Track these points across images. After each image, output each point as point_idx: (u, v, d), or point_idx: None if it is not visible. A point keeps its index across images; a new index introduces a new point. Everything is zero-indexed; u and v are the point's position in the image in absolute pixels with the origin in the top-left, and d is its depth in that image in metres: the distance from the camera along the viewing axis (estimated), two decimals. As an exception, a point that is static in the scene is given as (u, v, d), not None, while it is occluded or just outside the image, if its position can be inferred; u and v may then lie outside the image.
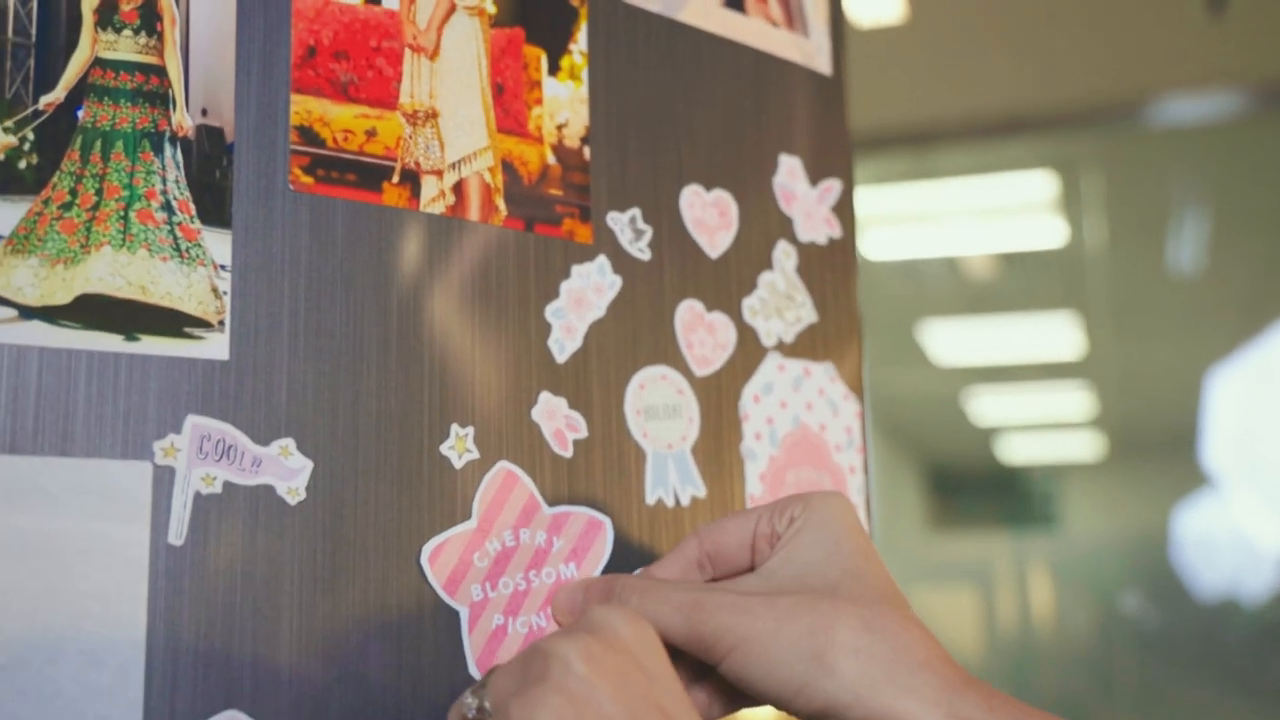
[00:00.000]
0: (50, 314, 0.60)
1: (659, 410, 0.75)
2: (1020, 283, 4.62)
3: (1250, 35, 3.12)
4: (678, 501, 0.75)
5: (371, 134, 0.68)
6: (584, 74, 0.76)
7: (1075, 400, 5.66)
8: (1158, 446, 5.45)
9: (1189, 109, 3.39)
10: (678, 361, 0.77)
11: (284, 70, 0.66)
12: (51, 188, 0.61)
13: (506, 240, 0.72)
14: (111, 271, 0.62)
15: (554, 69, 0.75)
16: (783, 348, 0.81)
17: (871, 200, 3.97)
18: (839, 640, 0.58)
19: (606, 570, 0.71)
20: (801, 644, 0.59)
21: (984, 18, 3.26)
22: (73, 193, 0.62)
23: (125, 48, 0.64)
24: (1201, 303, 4.54)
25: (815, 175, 0.86)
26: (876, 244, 4.29)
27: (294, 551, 0.63)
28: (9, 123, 0.60)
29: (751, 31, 0.84)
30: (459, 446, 0.68)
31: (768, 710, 0.71)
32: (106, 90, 0.63)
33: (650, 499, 0.74)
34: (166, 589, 0.60)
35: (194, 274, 0.63)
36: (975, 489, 6.01)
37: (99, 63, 0.63)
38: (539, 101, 0.74)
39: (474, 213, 0.71)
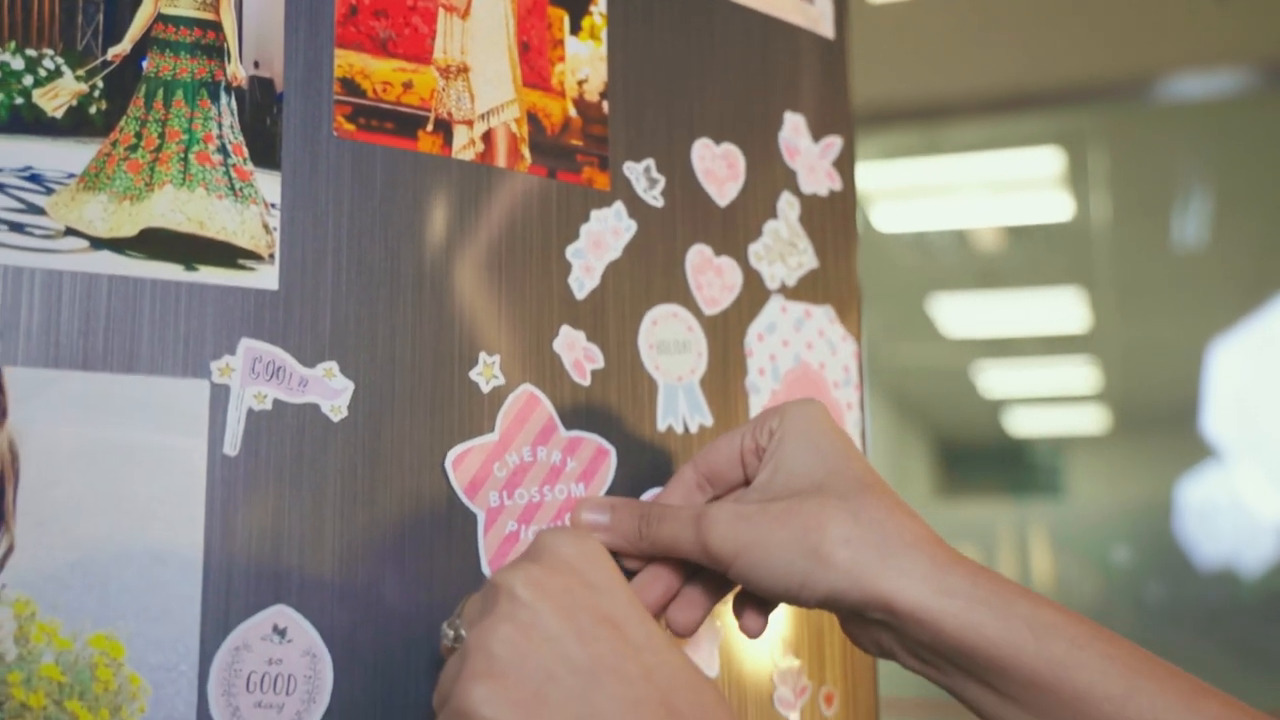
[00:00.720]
0: (118, 245, 0.66)
1: (670, 345, 0.81)
2: (1026, 257, 4.66)
3: (1256, 13, 3.16)
4: (687, 429, 0.81)
5: (408, 86, 0.74)
6: (603, 34, 0.82)
7: (1080, 374, 5.71)
8: (1161, 419, 5.50)
9: (1195, 86, 3.43)
10: (688, 301, 0.82)
11: (329, 27, 0.72)
12: (119, 131, 0.67)
13: (531, 186, 0.78)
14: (173, 208, 0.68)
15: (575, 29, 0.81)
16: (785, 291, 0.87)
17: (880, 174, 4.02)
18: (830, 535, 0.64)
19: (610, 493, 0.77)
20: (797, 543, 0.65)
21: (992, -7, 3.31)
22: (138, 136, 0.68)
23: (185, 4, 0.70)
24: (1205, 278, 4.58)
25: (817, 132, 0.91)
26: (885, 217, 4.34)
27: (337, 464, 0.69)
28: (80, 72, 0.66)
29: (759, -4, 0.90)
30: (486, 373, 0.74)
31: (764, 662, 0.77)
32: (168, 43, 0.69)
33: (661, 426, 0.80)
34: (222, 495, 0.66)
35: (247, 211, 0.69)
36: (982, 460, 6.07)
37: (161, 18, 0.69)
38: (561, 59, 0.80)
39: (501, 160, 0.77)
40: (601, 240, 0.79)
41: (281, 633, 0.66)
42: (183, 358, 0.66)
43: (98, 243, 0.65)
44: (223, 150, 0.70)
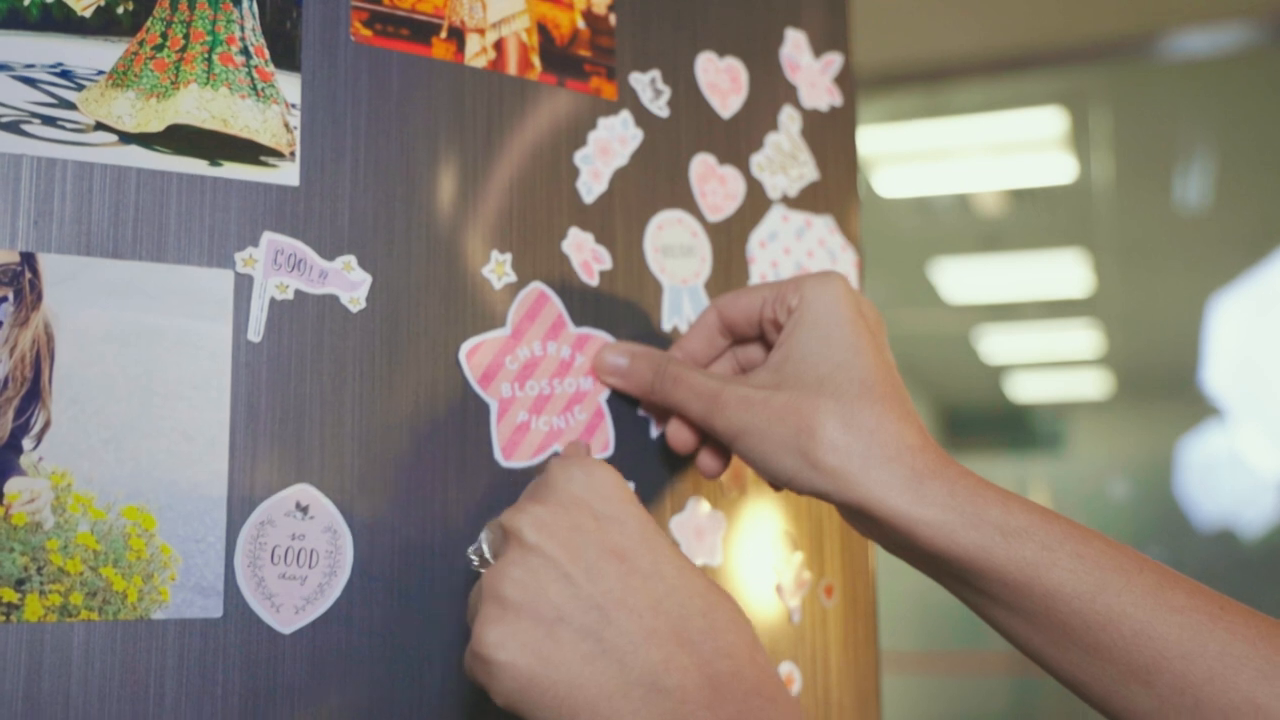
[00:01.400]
0: (145, 140, 0.69)
1: (675, 249, 0.84)
2: (1028, 220, 4.68)
3: (1260, -33, 3.17)
4: (691, 330, 0.83)
5: (421, -8, 0.77)
6: (609, -52, 0.85)
7: (1082, 338, 5.73)
8: (1162, 383, 5.53)
9: (1199, 42, 3.44)
10: (692, 207, 0.85)
11: (345, -68, 0.75)
12: (145, 30, 0.70)
13: (540, 93, 0.80)
14: (197, 106, 0.70)
15: (582, -58, 0.84)
16: (787, 201, 0.90)
17: (882, 137, 4.03)
18: (821, 439, 0.67)
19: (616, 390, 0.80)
20: (790, 441, 0.68)
21: (994, -49, 3.31)
22: (164, 36, 0.70)
23: (207, -91, 0.72)
24: (1208, 239, 4.60)
25: (818, 48, 0.94)
26: (887, 182, 4.35)
27: (355, 352, 0.72)
28: (108, -28, 0.69)
29: (761, -85, 0.92)
30: (498, 270, 0.77)
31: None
32: (191, -54, 0.72)
33: (667, 326, 0.83)
34: (247, 379, 0.69)
35: (268, 110, 0.72)
36: (983, 426, 6.10)
37: (184, -79, 0.72)
38: (569, -30, 0.83)
39: (512, 68, 0.79)
40: (609, 148, 0.82)
41: (304, 510, 0.69)
42: (208, 248, 0.69)
43: (126, 137, 0.68)
44: (245, 52, 0.72)
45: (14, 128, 0.65)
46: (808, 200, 0.91)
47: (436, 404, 0.74)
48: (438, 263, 0.75)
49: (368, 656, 0.70)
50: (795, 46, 0.92)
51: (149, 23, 0.70)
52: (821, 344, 0.70)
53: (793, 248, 0.89)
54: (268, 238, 0.70)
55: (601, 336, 0.80)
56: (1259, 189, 4.24)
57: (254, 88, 0.72)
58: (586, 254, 0.80)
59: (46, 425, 0.64)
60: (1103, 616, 0.60)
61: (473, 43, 0.78)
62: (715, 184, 0.86)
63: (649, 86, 0.85)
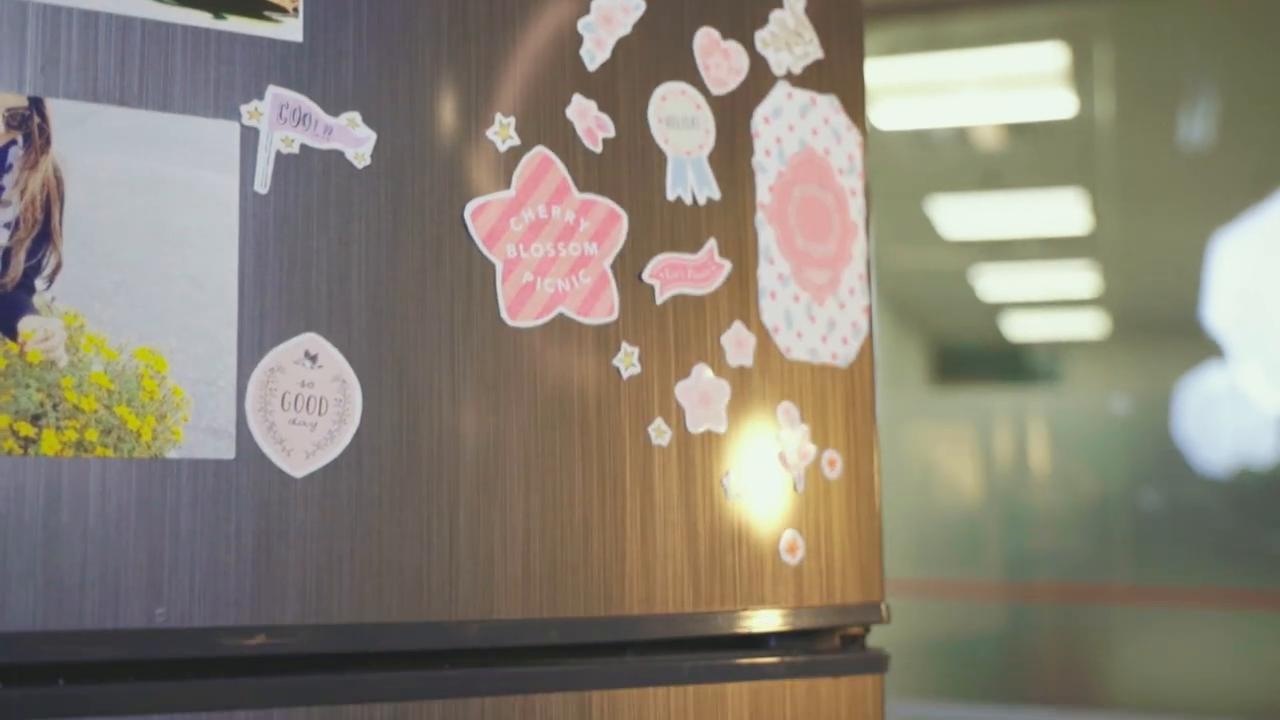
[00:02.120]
0: (151, -9, 0.69)
1: (679, 120, 0.84)
2: (1028, 156, 4.66)
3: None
4: (695, 201, 0.84)
5: None
6: None
7: (1081, 277, 5.72)
8: (1161, 323, 5.52)
9: (1201, -27, 3.41)
10: (696, 80, 0.85)
11: None
12: (150, -118, 0.70)
13: (544, -42, 0.80)
14: (202, -41, 0.71)
15: None
16: (791, 78, 0.90)
17: (881, 71, 4.01)
18: None
19: (620, 255, 0.80)
20: None
21: (996, -122, 3.29)
22: (168, -112, 0.70)
23: None
24: (1210, 177, 4.59)
25: (822, -75, 0.94)
26: (886, 115, 4.33)
27: (361, 208, 0.72)
28: None
29: None
30: (502, 133, 0.77)
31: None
32: None
33: (670, 196, 0.83)
34: (254, 229, 0.69)
35: (273, -35, 0.72)
36: (980, 365, 6.10)
37: None
38: None
39: (515, -69, 0.79)
40: (611, 16, 0.82)
41: (313, 358, 0.70)
42: (214, 100, 0.69)
43: (132, -12, 0.68)
44: (249, -93, 0.72)
45: (22, -29, 0.66)
46: (812, 79, 0.91)
47: (442, 261, 0.74)
48: (442, 123, 0.75)
49: (377, 503, 0.71)
50: (799, -78, 0.92)
51: (154, -125, 0.70)
52: None
53: (797, 125, 0.89)
54: (273, 91, 0.71)
55: (606, 204, 0.80)
56: (1263, 125, 4.23)
57: (259, -57, 0.72)
58: (590, 121, 0.80)
59: (58, 267, 0.65)
60: None
61: (477, -94, 0.78)
62: (719, 57, 0.87)
63: (653, -44, 0.85)
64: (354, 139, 0.73)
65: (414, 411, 0.72)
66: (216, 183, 0.69)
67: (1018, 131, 4.50)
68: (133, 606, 0.65)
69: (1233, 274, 4.49)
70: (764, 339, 0.85)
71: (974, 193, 4.95)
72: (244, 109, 0.70)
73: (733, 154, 0.87)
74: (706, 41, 0.86)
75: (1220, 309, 4.64)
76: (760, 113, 0.88)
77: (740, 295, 0.84)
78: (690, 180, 0.84)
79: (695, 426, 0.82)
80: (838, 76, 0.93)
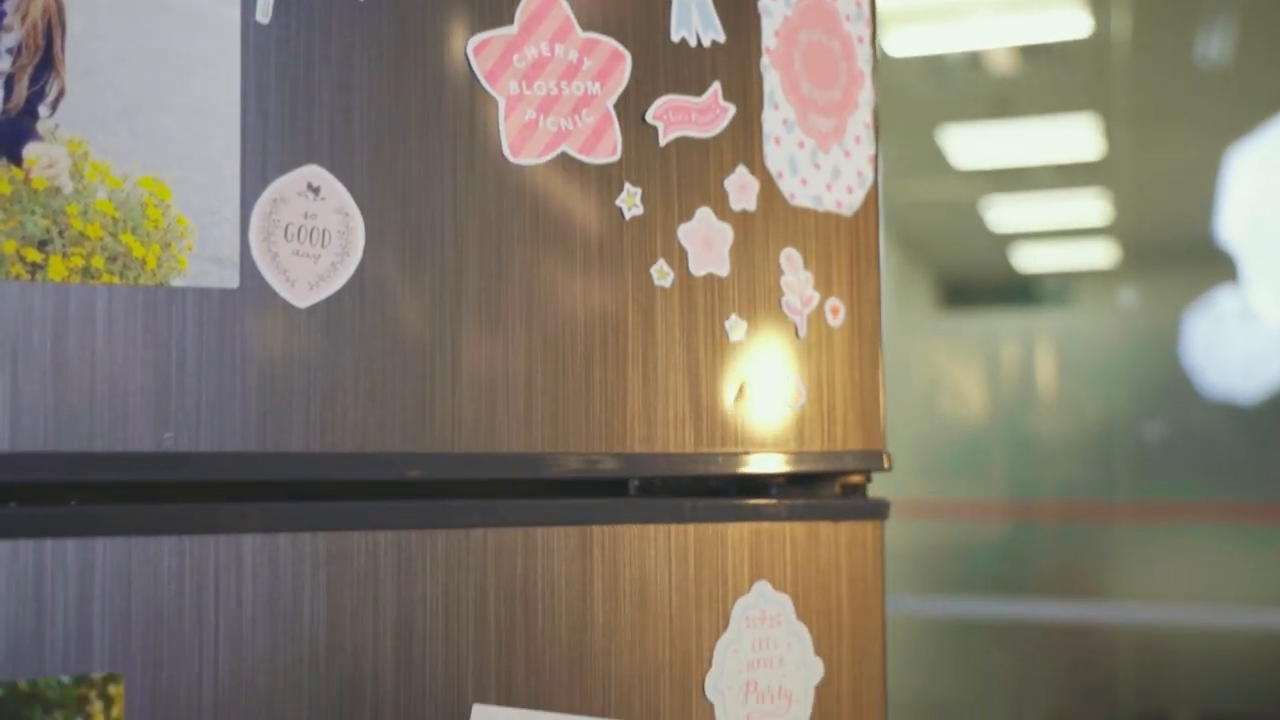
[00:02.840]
0: None
1: (680, -34, 0.84)
2: (1041, 80, 4.63)
3: None
4: (700, 43, 0.84)
5: None
6: None
7: (1093, 205, 5.70)
8: (1175, 250, 5.50)
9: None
10: (697, -73, 0.85)
11: None
12: None
13: None
14: None
15: None
16: (792, -71, 0.90)
17: (893, -5, 3.97)
18: None
19: (623, 96, 0.80)
20: None
21: None
22: None
23: None
24: (1228, 97, 4.55)
25: None
26: (896, 41, 4.29)
27: (363, 41, 0.73)
28: None
29: None
30: (503, -27, 0.77)
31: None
32: None
33: (675, 37, 0.83)
34: (256, 60, 0.70)
35: None
36: (990, 295, 6.09)
37: None
38: None
39: None
40: None
41: (315, 190, 0.70)
42: (214, -67, 0.69)
43: None
44: None
45: None
46: (813, -71, 0.91)
47: (445, 97, 0.75)
48: (443, -39, 0.75)
49: (380, 335, 0.71)
50: None
51: None
52: None
53: (799, -28, 0.89)
54: (274, -75, 0.71)
55: (609, 43, 0.80)
56: (1280, 43, 4.18)
57: None
58: (591, -38, 0.80)
59: (61, 94, 0.65)
60: None
61: None
62: (720, -96, 0.86)
63: None
64: (354, -23, 0.73)
65: (416, 245, 0.73)
66: (218, 12, 0.70)
67: (1031, 54, 4.46)
68: (141, 431, 0.66)
69: (1246, 192, 4.47)
70: (767, 184, 0.85)
71: (985, 121, 4.92)
72: (244, -59, 0.70)
73: None
74: (707, -111, 0.86)
75: (1233, 227, 4.62)
76: (763, -39, 0.88)
77: (744, 139, 0.84)
78: (695, 22, 0.84)
79: (698, 269, 0.82)
80: (840, -68, 0.93)
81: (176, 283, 0.67)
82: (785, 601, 0.85)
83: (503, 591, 0.75)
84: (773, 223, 0.86)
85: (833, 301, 0.88)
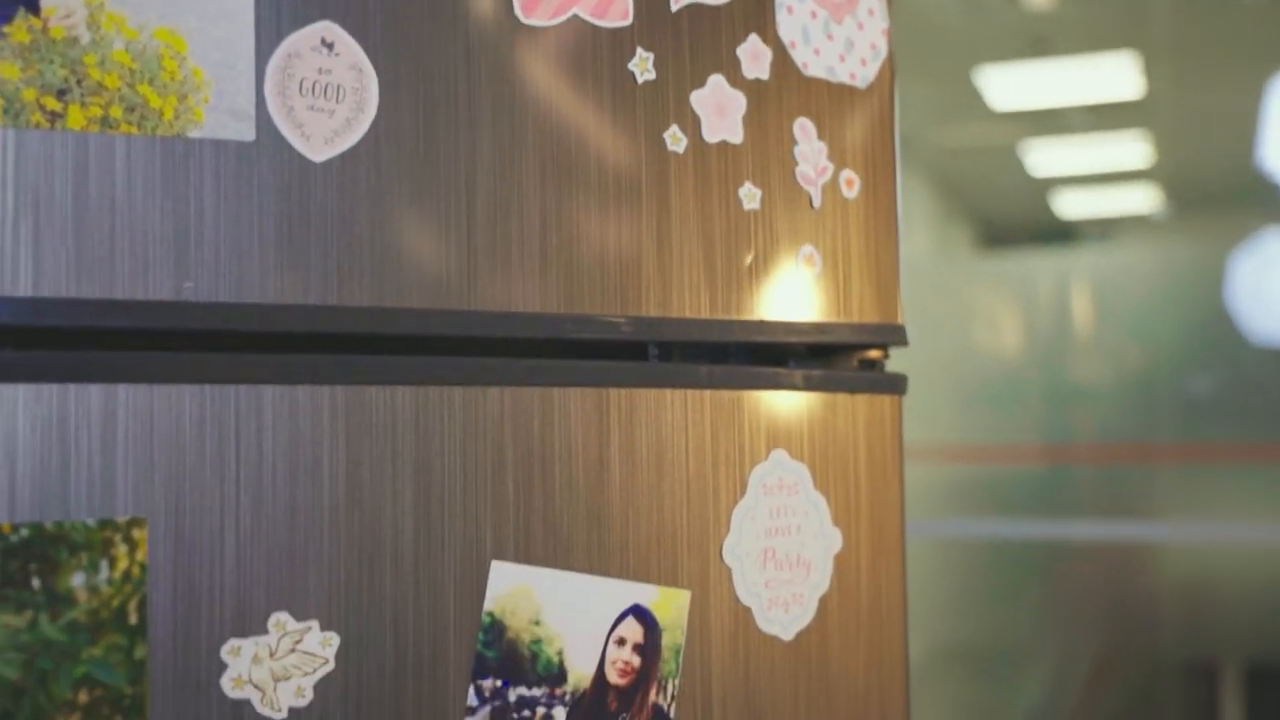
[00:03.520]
0: None
1: None
2: (1080, 16, 4.57)
3: None
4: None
5: None
6: None
7: (1133, 148, 5.64)
8: (1217, 193, 5.44)
9: None
10: None
11: None
12: None
13: None
14: None
15: None
16: None
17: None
18: None
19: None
20: None
21: None
22: None
23: None
24: (1272, 33, 4.48)
25: None
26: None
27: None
28: None
29: None
30: None
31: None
32: None
33: (685, -93, 0.83)
34: (270, -80, 0.70)
35: None
36: (1030, 243, 6.05)
37: None
38: None
39: None
40: None
41: (329, 46, 0.71)
42: None
43: None
44: None
45: None
46: None
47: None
48: None
49: (394, 191, 0.72)
50: None
51: None
52: None
53: None
54: None
55: (619, -88, 0.80)
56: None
57: None
58: None
59: (75, -50, 0.66)
60: None
61: None
62: None
63: None
64: None
65: (430, 103, 0.74)
66: None
67: (1071, -11, 4.40)
68: (160, 280, 0.67)
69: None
70: (780, 53, 0.85)
71: (1022, 60, 4.87)
72: None
73: (748, -122, 0.86)
74: None
75: (1279, 166, 4.56)
76: None
77: (756, 7, 0.84)
78: (705, -101, 0.84)
79: (711, 136, 0.82)
80: None
81: (194, 134, 0.68)
82: (803, 471, 0.86)
83: (520, 451, 0.76)
84: (786, 92, 0.86)
85: (847, 173, 0.89)
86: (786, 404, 0.85)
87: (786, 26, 0.85)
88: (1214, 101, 5.09)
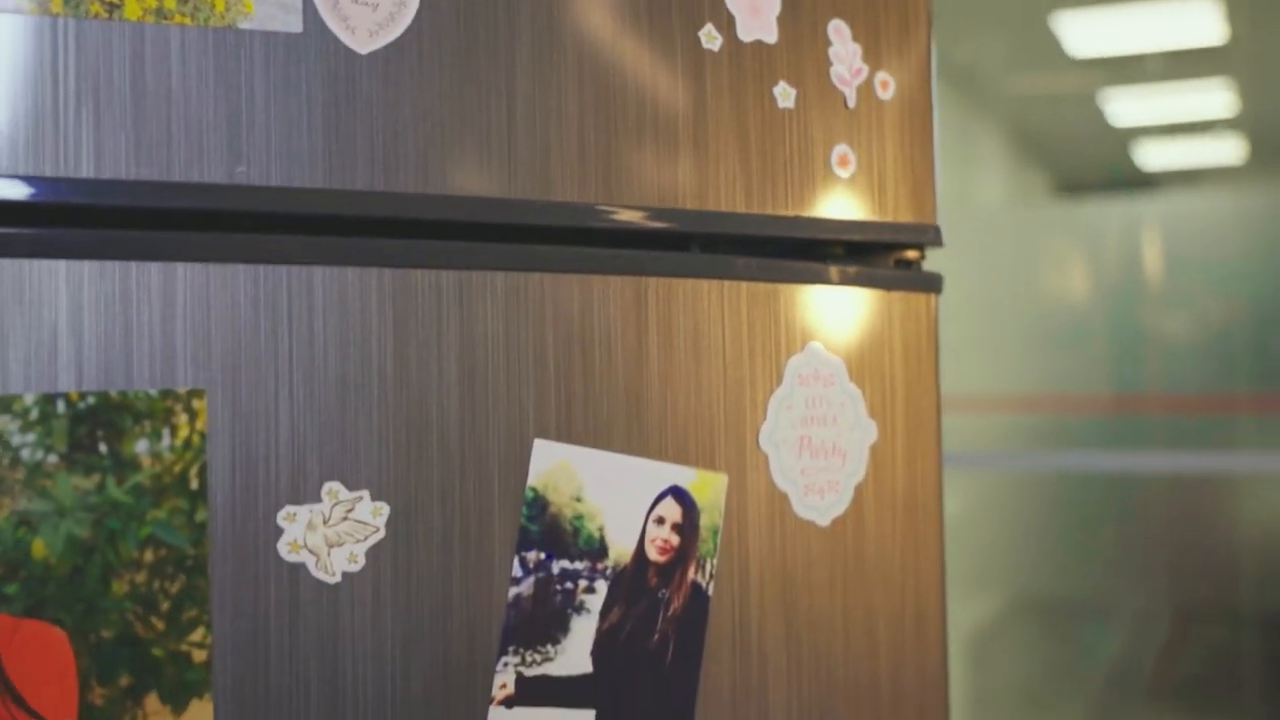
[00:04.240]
0: None
1: None
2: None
3: None
4: None
5: None
6: None
7: (1215, 98, 5.54)
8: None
9: None
10: None
11: None
12: None
13: None
14: None
15: None
16: None
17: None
18: None
19: None
20: None
21: None
22: None
23: None
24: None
25: None
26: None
27: None
28: None
29: None
30: None
31: None
32: None
33: None
34: None
35: None
36: (1109, 194, 5.97)
37: None
38: None
39: None
40: None
41: (373, -57, 0.74)
42: None
43: None
44: None
45: None
46: None
47: None
48: None
49: (438, 81, 0.76)
50: None
51: None
52: None
53: None
54: None
55: None
56: None
57: None
58: None
59: None
60: None
61: None
62: None
63: None
64: None
65: (471, 5, 0.76)
66: None
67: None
68: (215, 163, 0.71)
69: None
70: (813, -48, 0.87)
71: (1102, 5, 4.80)
72: None
73: None
74: None
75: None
76: None
77: (788, -93, 0.86)
78: None
79: (745, 35, 0.85)
80: None
81: (244, 26, 0.71)
82: (838, 363, 0.89)
83: (560, 335, 0.79)
84: (820, -10, 0.88)
85: (882, 75, 0.90)
86: (822, 299, 0.88)
87: (820, -74, 0.87)
88: (1298, 47, 4.97)
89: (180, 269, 0.70)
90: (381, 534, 0.74)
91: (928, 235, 0.93)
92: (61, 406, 0.67)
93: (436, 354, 0.76)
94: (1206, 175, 5.94)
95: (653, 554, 0.82)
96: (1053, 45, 5.08)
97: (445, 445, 0.76)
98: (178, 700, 0.70)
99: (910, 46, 0.92)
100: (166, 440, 0.70)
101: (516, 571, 0.78)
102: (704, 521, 0.83)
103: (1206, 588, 3.90)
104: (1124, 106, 5.74)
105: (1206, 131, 5.94)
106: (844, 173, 0.88)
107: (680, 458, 0.83)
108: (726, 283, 0.84)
